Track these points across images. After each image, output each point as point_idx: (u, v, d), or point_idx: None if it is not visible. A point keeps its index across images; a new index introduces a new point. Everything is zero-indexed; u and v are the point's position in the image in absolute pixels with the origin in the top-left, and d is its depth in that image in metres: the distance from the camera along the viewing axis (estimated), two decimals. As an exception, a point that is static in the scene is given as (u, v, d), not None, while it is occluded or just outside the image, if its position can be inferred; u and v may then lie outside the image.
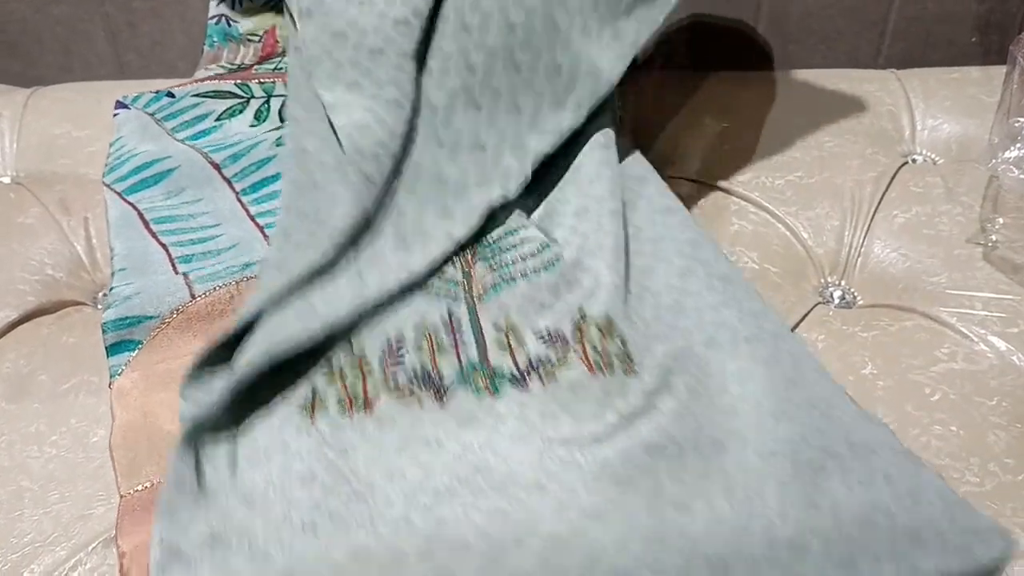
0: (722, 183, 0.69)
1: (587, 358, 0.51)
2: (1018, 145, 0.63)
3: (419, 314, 0.53)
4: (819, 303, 0.62)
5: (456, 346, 0.52)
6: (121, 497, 0.49)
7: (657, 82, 0.77)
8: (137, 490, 0.49)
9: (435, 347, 0.52)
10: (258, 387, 0.50)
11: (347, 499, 0.45)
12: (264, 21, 0.81)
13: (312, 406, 0.49)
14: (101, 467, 0.52)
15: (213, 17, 0.82)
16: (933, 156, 0.73)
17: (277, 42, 0.80)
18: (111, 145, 0.70)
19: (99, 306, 0.64)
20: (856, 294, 0.64)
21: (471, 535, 0.43)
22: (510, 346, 0.52)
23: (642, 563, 0.42)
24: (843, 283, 0.65)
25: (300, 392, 0.50)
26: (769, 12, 0.84)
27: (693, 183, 0.70)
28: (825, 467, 0.45)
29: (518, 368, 0.51)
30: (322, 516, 0.44)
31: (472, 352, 0.52)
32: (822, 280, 0.65)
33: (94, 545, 0.49)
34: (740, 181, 0.69)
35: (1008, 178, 0.63)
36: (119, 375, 0.54)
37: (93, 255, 0.67)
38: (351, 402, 0.49)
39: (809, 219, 0.67)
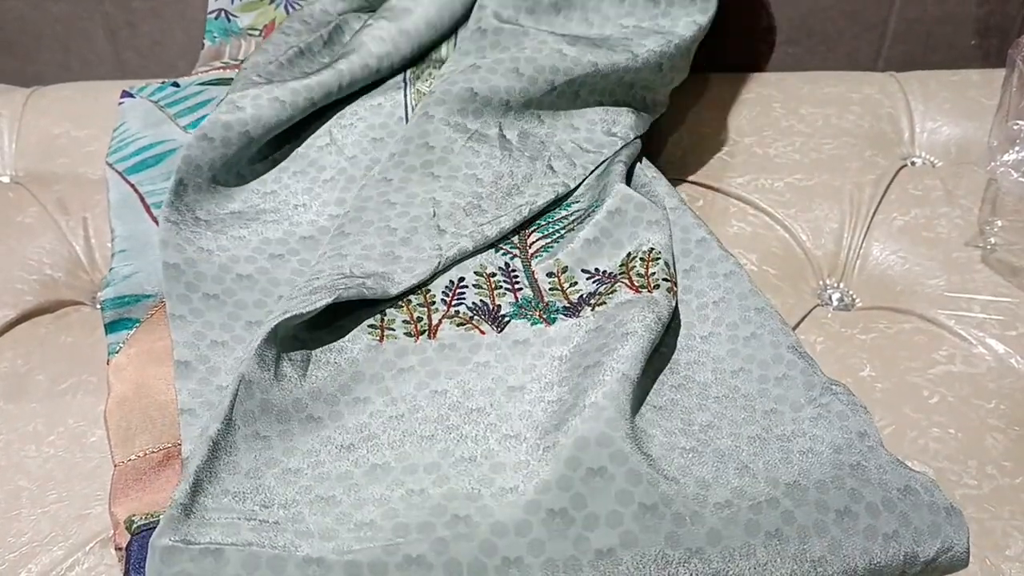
0: (721, 185, 0.69)
1: (633, 284, 0.54)
2: (1017, 148, 0.63)
3: (478, 263, 0.57)
4: (818, 305, 0.62)
5: (513, 287, 0.56)
6: (115, 466, 0.49)
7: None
8: (131, 459, 0.49)
9: (493, 287, 0.55)
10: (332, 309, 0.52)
11: (387, 420, 0.48)
12: (263, 16, 0.81)
13: (381, 328, 0.52)
14: (99, 467, 0.52)
15: (212, 12, 0.81)
16: (932, 159, 0.73)
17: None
18: (114, 131, 0.70)
19: (97, 305, 0.64)
20: (855, 296, 0.64)
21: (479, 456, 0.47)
22: (562, 287, 0.55)
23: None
24: (842, 285, 0.65)
25: (370, 314, 0.53)
26: (769, 13, 0.84)
27: (692, 185, 0.70)
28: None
29: (569, 302, 0.54)
30: (361, 439, 0.47)
31: (527, 292, 0.55)
32: (821, 282, 0.65)
33: (91, 545, 0.49)
34: (739, 183, 0.69)
35: (1007, 181, 0.63)
36: (117, 353, 0.54)
37: (92, 255, 0.67)
38: (417, 326, 0.53)
39: (808, 221, 0.67)
